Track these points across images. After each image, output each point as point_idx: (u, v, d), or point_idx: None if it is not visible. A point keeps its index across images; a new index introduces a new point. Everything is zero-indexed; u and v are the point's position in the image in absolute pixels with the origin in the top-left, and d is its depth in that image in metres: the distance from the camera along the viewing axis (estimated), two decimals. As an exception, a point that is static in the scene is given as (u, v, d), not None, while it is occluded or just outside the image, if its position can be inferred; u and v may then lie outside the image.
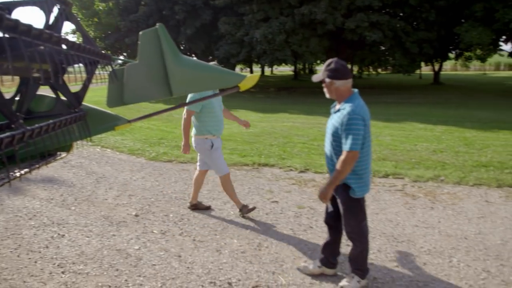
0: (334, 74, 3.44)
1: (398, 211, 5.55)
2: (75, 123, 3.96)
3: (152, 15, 28.01)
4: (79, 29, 4.28)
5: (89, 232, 4.98)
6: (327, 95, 3.51)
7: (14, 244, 4.69)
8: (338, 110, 3.45)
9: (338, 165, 3.31)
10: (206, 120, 5.26)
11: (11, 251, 4.51)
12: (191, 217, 5.44)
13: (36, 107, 4.43)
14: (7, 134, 2.72)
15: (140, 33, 4.20)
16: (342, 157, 3.30)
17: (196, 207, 5.73)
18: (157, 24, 4.15)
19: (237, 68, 41.10)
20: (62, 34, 3.58)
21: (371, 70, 42.71)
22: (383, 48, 27.62)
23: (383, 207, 5.69)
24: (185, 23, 27.14)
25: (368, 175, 3.56)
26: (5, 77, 3.01)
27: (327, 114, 13.69)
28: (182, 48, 32.74)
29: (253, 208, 5.47)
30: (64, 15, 4.01)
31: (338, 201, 3.61)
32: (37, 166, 3.84)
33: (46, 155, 4.18)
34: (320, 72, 3.55)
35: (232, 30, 23.96)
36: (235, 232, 4.94)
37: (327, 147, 3.59)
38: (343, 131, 3.32)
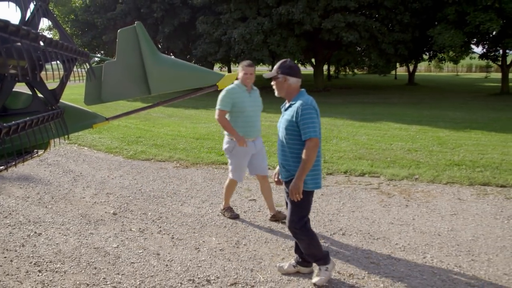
0: (289, 71, 3.55)
1: (374, 209, 5.64)
2: (52, 120, 3.91)
3: (130, 13, 27.70)
4: (56, 26, 4.22)
5: (67, 231, 4.91)
6: (277, 93, 3.60)
7: (-11, 243, 4.59)
8: (290, 106, 3.55)
9: (303, 156, 3.37)
10: (235, 120, 4.98)
11: (-14, 250, 4.41)
12: (170, 215, 5.42)
13: (12, 104, 4.35)
14: None
15: (119, 31, 4.18)
16: (305, 147, 3.37)
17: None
18: (136, 22, 4.13)
19: (216, 67, 40.98)
20: (39, 30, 3.53)
21: (347, 70, 43.23)
22: (359, 48, 27.97)
23: (360, 205, 5.76)
24: (163, 21, 26.91)
25: (321, 167, 3.64)
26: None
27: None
28: (160, 46, 32.45)
29: (237, 216, 5.33)
30: (41, 12, 3.96)
31: (286, 195, 3.69)
32: (13, 163, 3.78)
33: (22, 153, 4.12)
34: (273, 70, 3.62)
35: (210, 30, 23.83)
36: (213, 230, 4.95)
37: (280, 143, 3.64)
38: (298, 122, 3.40)
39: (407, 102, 21.04)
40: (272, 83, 3.62)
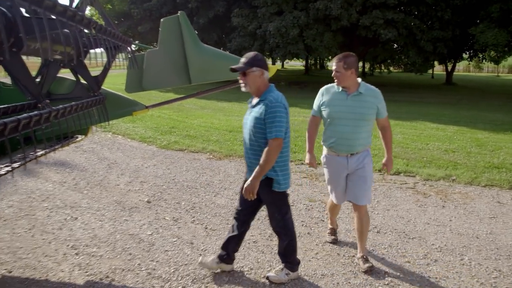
0: (264, 64, 3.38)
1: (410, 208, 5.56)
2: (94, 106, 4.01)
3: (166, 3, 28.00)
4: (101, 14, 4.33)
5: (102, 216, 5.04)
6: (247, 88, 3.35)
7: (28, 224, 4.77)
8: (258, 103, 3.37)
9: (264, 156, 3.24)
10: (325, 129, 4.00)
11: (25, 231, 4.59)
12: (203, 205, 5.49)
13: (56, 89, 4.49)
14: (35, 112, 2.78)
15: (162, 20, 4.25)
16: (267, 146, 3.25)
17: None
18: (179, 12, 4.19)
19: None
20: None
21: (383, 68, 42.60)
22: (397, 46, 27.50)
23: (394, 204, 5.70)
24: (198, 13, 27.13)
25: (289, 166, 3.52)
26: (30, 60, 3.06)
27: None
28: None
29: (335, 240, 4.56)
30: (88, 0, 4.06)
31: (261, 196, 3.52)
32: (57, 147, 3.91)
33: (66, 137, 4.25)
34: (244, 62, 3.36)
35: (244, 23, 23.91)
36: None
37: (247, 141, 3.46)
38: (266, 120, 3.25)
39: (444, 102, 20.58)
40: (242, 76, 3.36)
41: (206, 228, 4.79)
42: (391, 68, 41.85)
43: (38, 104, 3.01)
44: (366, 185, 3.92)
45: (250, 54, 3.40)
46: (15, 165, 3.01)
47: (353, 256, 4.17)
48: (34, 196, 5.67)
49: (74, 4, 4.02)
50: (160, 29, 4.17)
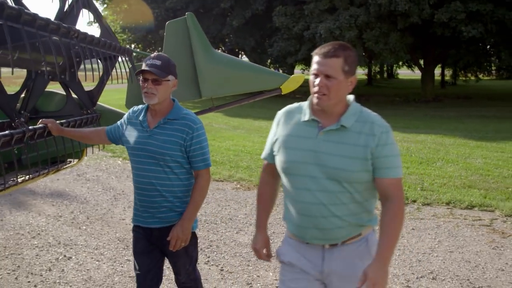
0: (176, 72, 3.24)
1: (480, 250, 5.57)
2: (87, 126, 4.35)
3: (193, 1, 28.93)
4: (97, 19, 4.73)
5: (100, 256, 5.33)
6: (154, 100, 3.09)
7: (12, 265, 5.12)
8: (166, 122, 3.17)
9: (197, 192, 3.21)
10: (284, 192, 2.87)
11: (8, 273, 4.93)
12: (221, 244, 5.71)
13: (44, 105, 4.89)
14: (5, 132, 3.12)
15: (167, 23, 4.58)
16: (201, 180, 3.20)
17: None
18: (187, 13, 4.51)
19: (298, 69, 41.42)
20: (80, 22, 3.99)
21: (469, 75, 41.90)
22: (485, 46, 27.09)
23: (461, 245, 5.72)
24: (232, 12, 27.85)
25: None
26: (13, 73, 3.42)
27: (406, 129, 13.78)
28: (227, 42, 33.53)
29: None
30: (81, 2, 4.47)
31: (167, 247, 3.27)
32: (45, 172, 4.25)
33: (55, 161, 4.59)
34: (158, 66, 3.08)
35: (289, 23, 24.28)
36: (271, 264, 5.13)
37: (153, 175, 3.17)
38: (191, 146, 3.14)
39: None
40: (148, 85, 3.06)
41: (222, 270, 4.99)
42: (480, 75, 41.18)
43: (12, 123, 3.36)
44: None
45: (161, 56, 3.20)
46: None
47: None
48: (23, 232, 6.07)
49: (65, 7, 4.45)
50: (165, 34, 4.49)
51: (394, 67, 51.74)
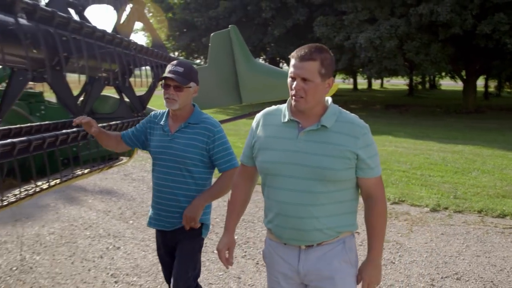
0: (197, 79, 3.35)
1: (508, 256, 5.78)
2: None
3: (235, 11, 29.46)
4: (149, 31, 5.27)
5: (146, 247, 5.81)
6: (176, 106, 3.20)
7: (68, 251, 5.67)
8: (187, 126, 3.28)
9: (217, 184, 3.34)
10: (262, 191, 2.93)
11: (65, 258, 5.47)
12: (258, 241, 6.11)
13: (99, 107, 5.44)
14: (73, 130, 3.63)
15: (212, 34, 5.06)
16: (226, 177, 3.30)
17: None
18: (230, 26, 4.98)
19: (338, 78, 41.68)
20: (133, 32, 4.57)
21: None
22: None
23: (489, 250, 5.94)
24: (273, 22, 28.29)
25: None
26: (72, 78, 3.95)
27: (444, 139, 13.83)
28: (268, 51, 33.99)
29: None
30: (136, 15, 5.00)
31: (179, 248, 3.41)
32: (99, 168, 4.76)
33: (110, 158, 5.11)
34: (180, 73, 3.19)
35: (329, 33, 24.47)
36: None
37: (174, 177, 3.29)
38: (212, 149, 3.27)
39: None
40: (170, 91, 3.18)
41: (257, 263, 5.39)
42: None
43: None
44: None
45: (182, 62, 3.34)
46: (52, 183, 3.79)
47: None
48: (77, 224, 6.63)
49: (122, 20, 4.99)
50: (209, 44, 4.95)
51: (437, 78, 51.26)
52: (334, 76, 24.80)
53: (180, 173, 3.25)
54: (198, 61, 33.71)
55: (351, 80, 52.76)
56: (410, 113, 26.84)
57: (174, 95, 3.16)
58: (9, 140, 2.83)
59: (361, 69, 27.51)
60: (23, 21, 2.93)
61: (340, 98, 36.75)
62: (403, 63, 23.67)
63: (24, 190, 3.43)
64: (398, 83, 56.41)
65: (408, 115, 25.45)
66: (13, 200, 3.28)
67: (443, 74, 40.41)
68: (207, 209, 3.42)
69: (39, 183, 3.62)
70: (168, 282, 3.56)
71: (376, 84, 60.93)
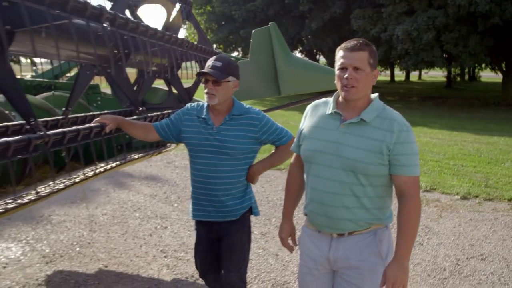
0: (238, 73, 3.39)
1: (533, 240, 6.08)
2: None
3: (273, 4, 29.82)
4: (196, 28, 5.75)
5: (191, 227, 6.30)
6: (215, 101, 3.22)
7: (121, 230, 6.23)
8: (231, 119, 3.32)
9: (283, 151, 3.46)
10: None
11: (118, 236, 6.03)
12: (294, 223, 6.53)
13: (150, 98, 5.94)
14: (135, 117, 4.13)
15: (253, 31, 5.51)
16: (282, 149, 3.45)
17: None
18: (270, 23, 5.41)
19: (374, 71, 41.55)
20: (182, 28, 5.16)
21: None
22: None
23: (516, 235, 6.25)
24: (310, 15, 28.54)
25: None
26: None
27: (479, 131, 13.94)
28: (305, 44, 34.27)
29: None
30: (184, 14, 5.48)
31: (227, 241, 3.44)
32: (151, 153, 5.27)
33: (159, 145, 5.61)
34: (218, 68, 3.22)
35: (366, 25, 24.57)
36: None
37: (225, 169, 3.32)
38: (263, 134, 3.35)
39: None
40: (209, 86, 3.22)
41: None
42: None
43: (136, 111, 4.35)
44: None
45: (222, 57, 3.36)
46: (113, 164, 4.26)
47: (445, 278, 4.93)
48: (126, 206, 7.20)
49: (171, 18, 5.48)
50: (251, 40, 5.39)
51: (476, 70, 50.52)
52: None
53: (226, 163, 3.28)
54: (235, 53, 34.29)
55: (388, 72, 52.47)
56: (447, 105, 26.79)
57: (212, 89, 3.19)
58: (74, 128, 3.22)
59: (398, 61, 27.46)
60: (92, 24, 3.40)
61: (377, 90, 36.04)
62: (441, 55, 23.57)
63: (87, 171, 3.89)
64: (437, 74, 55.78)
65: (444, 107, 25.41)
66: (78, 180, 3.73)
67: (483, 66, 39.85)
68: (250, 194, 3.50)
69: (102, 164, 4.10)
70: (204, 277, 3.62)
71: (414, 76, 60.38)
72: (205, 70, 3.20)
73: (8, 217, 5.65)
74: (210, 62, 3.25)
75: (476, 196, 7.85)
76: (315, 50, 36.03)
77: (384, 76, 54.88)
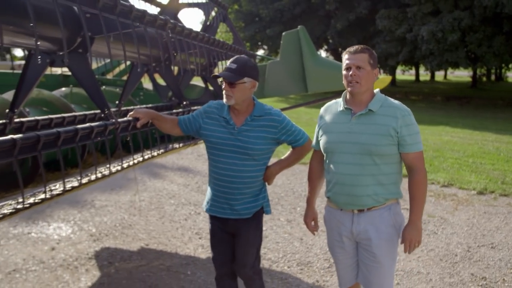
0: (256, 74, 3.42)
1: (543, 232, 6.47)
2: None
3: (299, 3, 30.26)
4: (231, 30, 6.30)
5: (222, 214, 6.86)
6: (232, 101, 3.32)
7: (158, 215, 6.81)
8: (254, 119, 3.40)
9: (300, 152, 3.58)
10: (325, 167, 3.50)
11: (156, 219, 6.61)
12: (318, 212, 7.02)
13: (188, 94, 6.48)
14: (179, 110, 4.67)
15: (283, 33, 6.03)
16: (297, 150, 3.57)
17: None
18: (299, 26, 5.92)
19: (398, 70, 41.75)
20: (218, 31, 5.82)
21: None
22: None
23: (527, 227, 6.63)
24: (336, 14, 28.88)
25: None
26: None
27: (501, 131, 14.15)
28: (330, 43, 34.60)
29: None
30: (221, 17, 6.01)
31: (240, 236, 3.56)
32: (189, 144, 5.80)
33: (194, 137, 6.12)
34: (235, 70, 3.30)
35: (392, 26, 24.82)
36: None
37: (235, 169, 3.40)
38: (282, 135, 3.43)
39: None
40: (225, 87, 3.31)
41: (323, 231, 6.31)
42: None
43: (181, 104, 4.89)
44: (380, 270, 3.28)
45: (241, 58, 3.39)
46: (154, 153, 4.74)
47: (456, 262, 5.38)
48: (162, 194, 7.80)
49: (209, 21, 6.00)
50: (281, 42, 5.91)
51: (503, 70, 50.24)
52: (395, 68, 25.04)
53: (246, 163, 3.37)
54: (261, 51, 34.80)
55: (413, 71, 52.48)
56: (471, 105, 26.90)
57: (229, 91, 3.26)
58: (125, 118, 3.56)
59: (422, 61, 27.64)
60: (150, 30, 3.93)
61: (401, 89, 36.95)
62: (465, 55, 23.71)
63: (137, 157, 4.35)
64: (462, 74, 55.67)
65: (468, 107, 25.54)
66: (125, 166, 4.17)
67: (510, 66, 39.72)
68: (263, 185, 3.60)
69: (147, 152, 4.61)
70: (216, 263, 3.69)
71: (439, 75, 60.26)
72: (217, 74, 3.39)
73: (56, 201, 6.26)
74: (227, 64, 3.39)
75: (492, 192, 8.17)
76: (340, 49, 36.35)
77: (409, 75, 54.89)
